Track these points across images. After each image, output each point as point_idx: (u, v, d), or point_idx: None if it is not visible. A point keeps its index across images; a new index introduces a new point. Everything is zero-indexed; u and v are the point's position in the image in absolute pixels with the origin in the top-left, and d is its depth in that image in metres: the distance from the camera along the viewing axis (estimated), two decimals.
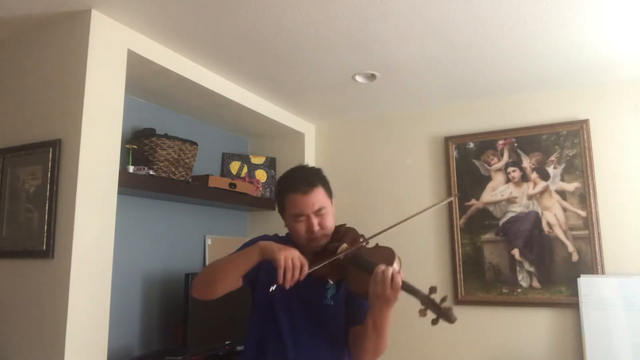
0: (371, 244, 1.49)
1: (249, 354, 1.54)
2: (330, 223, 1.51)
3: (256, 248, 1.38)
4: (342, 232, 1.55)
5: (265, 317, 1.52)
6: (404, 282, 1.30)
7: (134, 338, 2.46)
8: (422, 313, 1.28)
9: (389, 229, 1.43)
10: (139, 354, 2.43)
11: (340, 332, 1.50)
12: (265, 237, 1.63)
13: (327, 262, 1.39)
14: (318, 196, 1.48)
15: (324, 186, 1.52)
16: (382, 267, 1.31)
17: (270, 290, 1.36)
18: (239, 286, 1.51)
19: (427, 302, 1.28)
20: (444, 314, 1.25)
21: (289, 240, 1.59)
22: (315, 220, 1.46)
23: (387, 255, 1.39)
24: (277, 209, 1.60)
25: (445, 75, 2.65)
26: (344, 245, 1.46)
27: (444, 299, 1.28)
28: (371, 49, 2.31)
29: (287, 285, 1.30)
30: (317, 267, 1.38)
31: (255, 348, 1.52)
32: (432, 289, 1.29)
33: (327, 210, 1.49)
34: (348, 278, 1.44)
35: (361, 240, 1.49)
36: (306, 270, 1.33)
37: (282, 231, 1.68)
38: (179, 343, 2.47)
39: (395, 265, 1.35)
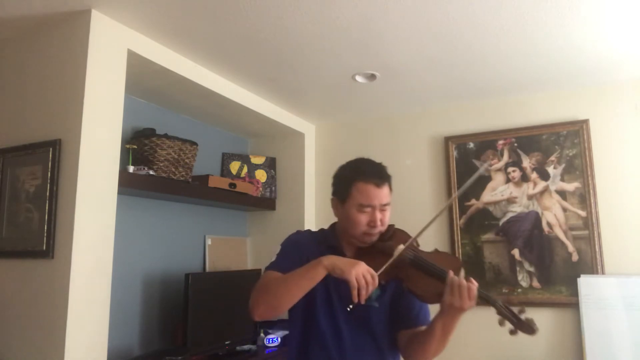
0: (428, 248, 1.46)
1: (292, 355, 1.51)
2: (388, 221, 1.49)
3: (321, 266, 1.32)
4: (391, 232, 1.51)
5: (307, 317, 1.48)
6: (480, 292, 1.29)
7: (134, 338, 2.46)
8: (501, 323, 1.28)
9: (428, 225, 1.41)
10: (139, 354, 2.43)
11: (384, 334, 1.47)
12: (300, 234, 1.59)
13: (388, 263, 1.35)
14: (386, 191, 1.46)
15: (390, 184, 1.50)
16: (455, 276, 1.29)
17: (348, 309, 1.34)
18: None
19: (506, 313, 1.28)
20: (524, 326, 1.25)
21: (331, 233, 1.55)
22: (378, 215, 1.43)
23: (454, 263, 1.38)
24: (334, 192, 1.52)
25: (445, 75, 2.65)
26: (401, 246, 1.41)
27: (522, 310, 1.28)
28: (371, 49, 2.31)
29: (363, 301, 1.29)
30: (382, 270, 1.34)
31: (298, 349, 1.48)
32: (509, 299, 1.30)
33: (389, 208, 1.48)
34: (408, 280, 1.39)
35: (413, 242, 1.45)
36: (377, 281, 1.30)
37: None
38: (179, 343, 2.47)
39: (462, 273, 1.33)
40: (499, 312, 1.28)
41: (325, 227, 1.63)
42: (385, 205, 1.45)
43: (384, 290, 1.47)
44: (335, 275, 1.31)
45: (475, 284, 1.29)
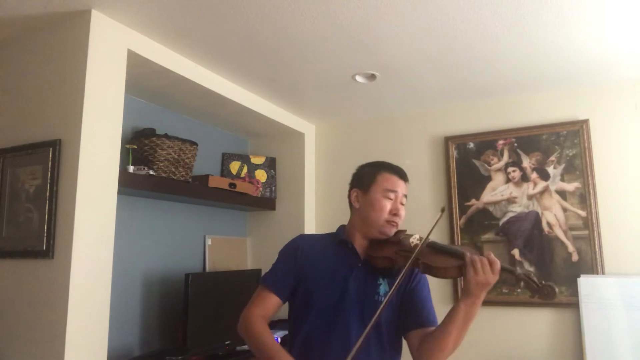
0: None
1: (294, 354, 1.49)
2: (404, 218, 1.57)
3: None
4: (405, 234, 1.57)
5: (311, 315, 1.49)
6: (502, 265, 1.34)
7: (134, 338, 2.46)
8: (520, 287, 1.36)
9: (436, 223, 1.46)
10: (139, 354, 2.43)
11: (389, 331, 1.48)
12: (303, 237, 1.64)
13: (415, 253, 1.40)
14: (406, 187, 1.58)
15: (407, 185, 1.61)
16: (474, 254, 1.35)
17: None
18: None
19: (526, 279, 1.34)
20: (540, 290, 1.31)
21: (342, 231, 1.59)
22: (400, 206, 1.53)
23: (469, 248, 1.45)
24: (356, 184, 1.59)
25: (445, 75, 2.65)
26: (417, 235, 1.49)
27: (541, 279, 1.34)
28: (371, 49, 2.30)
29: None
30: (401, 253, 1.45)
31: (301, 347, 1.49)
32: (528, 272, 1.37)
33: (405, 204, 1.57)
34: (426, 258, 1.42)
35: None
36: None
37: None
38: (179, 343, 2.47)
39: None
40: (519, 279, 1.34)
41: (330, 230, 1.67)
42: (404, 197, 1.55)
43: (391, 285, 1.49)
44: None
45: (494, 257, 1.33)
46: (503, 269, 1.35)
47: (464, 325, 1.36)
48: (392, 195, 1.51)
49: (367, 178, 1.57)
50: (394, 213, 1.51)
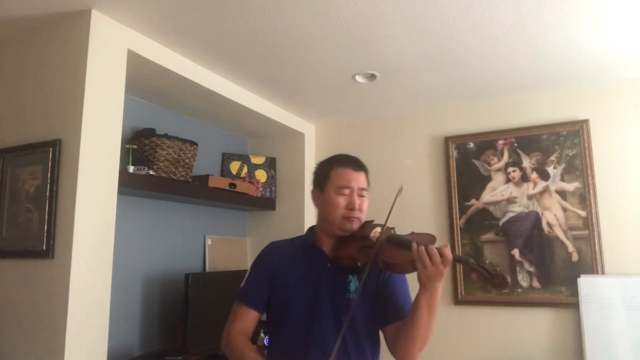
0: (405, 232, 1.50)
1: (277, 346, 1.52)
2: (366, 209, 1.53)
3: None
4: (371, 225, 1.54)
5: (287, 321, 1.49)
6: (454, 255, 1.31)
7: (134, 338, 2.46)
8: (475, 279, 1.32)
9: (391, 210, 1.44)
10: (139, 354, 2.43)
11: (365, 328, 1.47)
12: (273, 245, 1.63)
13: (374, 248, 1.39)
14: (364, 177, 1.53)
15: (367, 175, 1.56)
16: (420, 245, 1.31)
17: None
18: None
19: (478, 269, 1.30)
20: (496, 279, 1.27)
21: (309, 234, 1.59)
22: (357, 199, 1.49)
23: (428, 238, 1.41)
24: (315, 183, 1.58)
25: (445, 75, 2.65)
26: (378, 229, 1.46)
27: (494, 266, 1.31)
28: (371, 49, 2.31)
29: None
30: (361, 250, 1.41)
31: (281, 353, 1.49)
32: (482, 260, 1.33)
33: (366, 195, 1.53)
34: (383, 254, 1.40)
35: (388, 226, 1.49)
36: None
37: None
38: (179, 343, 2.47)
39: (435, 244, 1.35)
40: (472, 269, 1.31)
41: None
42: (363, 190, 1.51)
43: (361, 281, 1.46)
44: None
45: (445, 248, 1.30)
46: (456, 260, 1.34)
47: (429, 316, 1.35)
48: (346, 191, 1.48)
49: (322, 176, 1.55)
50: (350, 208, 1.47)
